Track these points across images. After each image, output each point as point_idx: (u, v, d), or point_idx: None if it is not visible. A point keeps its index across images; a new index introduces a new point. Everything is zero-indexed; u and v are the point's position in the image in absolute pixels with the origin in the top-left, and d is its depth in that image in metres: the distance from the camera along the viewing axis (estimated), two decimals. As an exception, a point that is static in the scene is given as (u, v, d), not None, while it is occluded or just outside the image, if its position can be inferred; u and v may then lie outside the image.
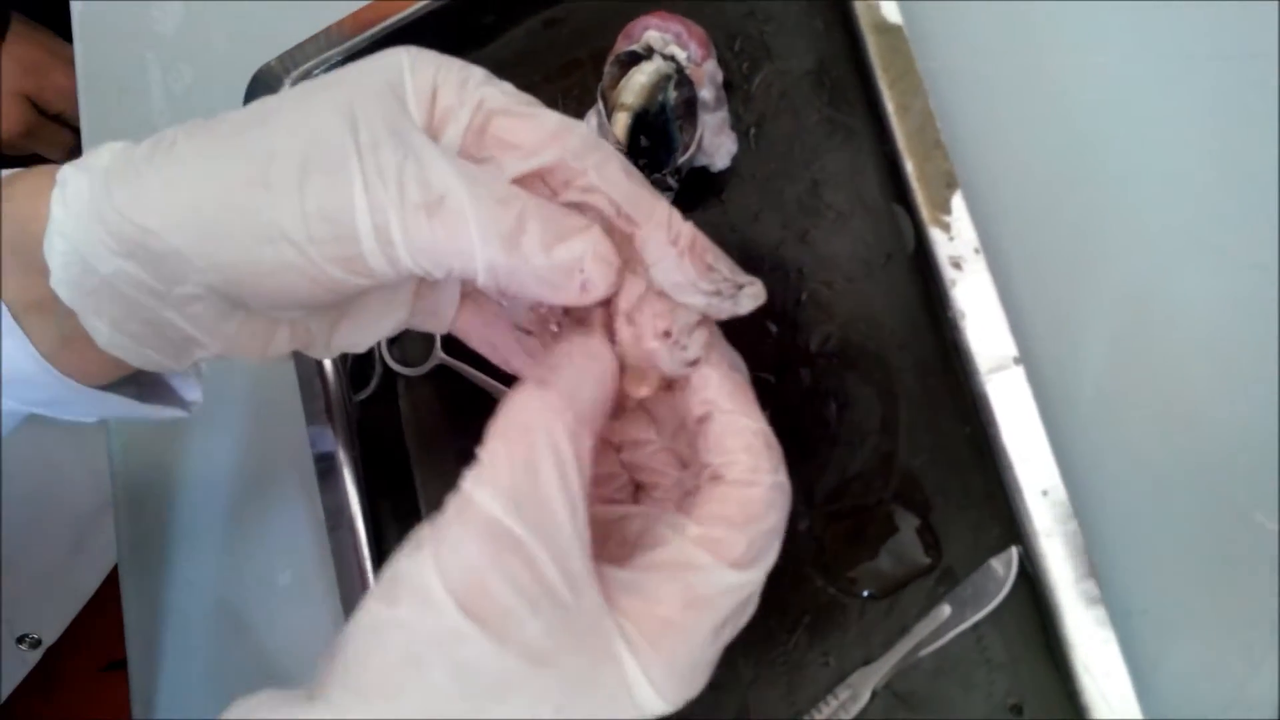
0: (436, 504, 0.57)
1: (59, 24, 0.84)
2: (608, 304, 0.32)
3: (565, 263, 0.29)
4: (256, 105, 0.31)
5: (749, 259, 0.51)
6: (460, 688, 0.27)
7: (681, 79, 0.49)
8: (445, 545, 0.27)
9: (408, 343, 0.59)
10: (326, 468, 0.57)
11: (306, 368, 0.59)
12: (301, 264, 0.30)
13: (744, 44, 0.53)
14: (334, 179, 0.29)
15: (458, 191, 0.29)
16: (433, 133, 0.30)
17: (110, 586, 0.70)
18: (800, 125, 0.51)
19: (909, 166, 0.45)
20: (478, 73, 0.31)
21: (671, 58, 0.49)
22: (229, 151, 0.30)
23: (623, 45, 0.51)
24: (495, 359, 0.40)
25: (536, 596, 0.27)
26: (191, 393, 0.43)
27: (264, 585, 0.63)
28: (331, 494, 0.56)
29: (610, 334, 0.32)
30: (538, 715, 0.27)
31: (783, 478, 0.31)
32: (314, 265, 0.30)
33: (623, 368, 0.33)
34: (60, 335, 0.34)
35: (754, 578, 0.30)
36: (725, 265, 0.32)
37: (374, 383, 0.58)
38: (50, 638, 0.85)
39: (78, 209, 0.31)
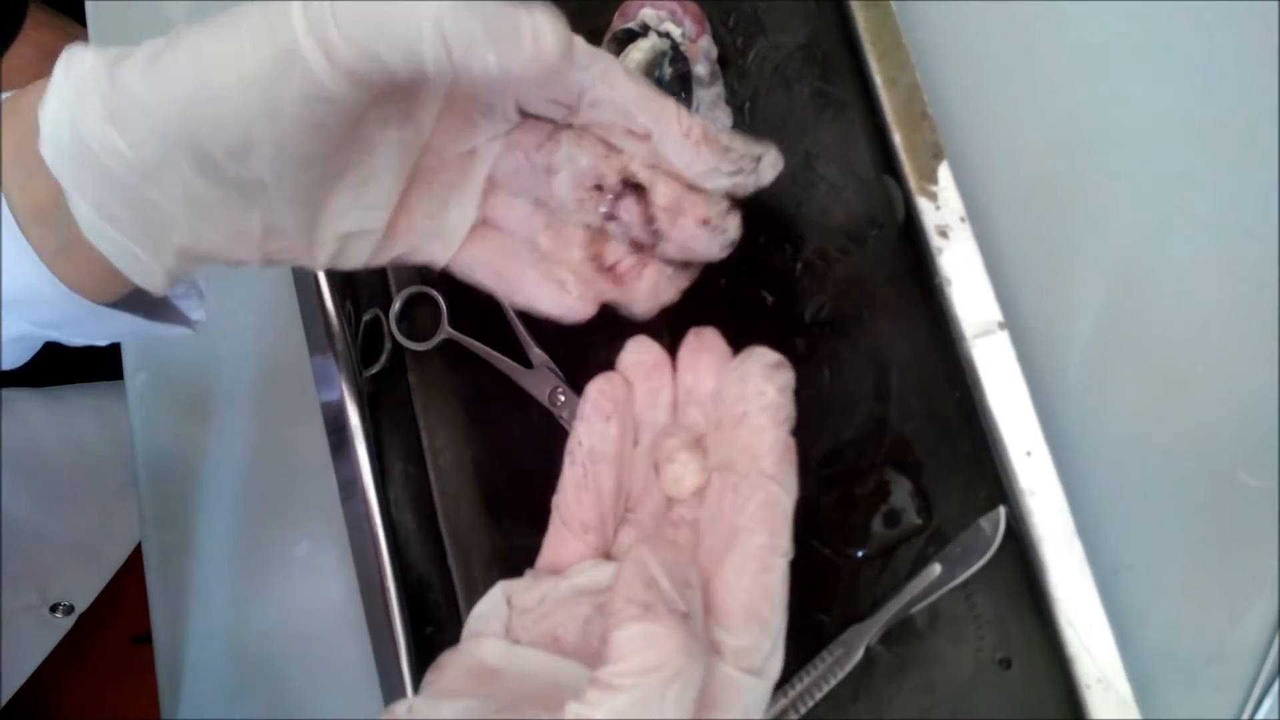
0: (445, 476, 0.59)
1: (75, 10, 0.86)
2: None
3: (515, 15, 0.28)
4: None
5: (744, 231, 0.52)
6: None
7: (677, 55, 0.50)
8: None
9: (416, 319, 0.60)
10: (339, 441, 0.59)
11: (318, 342, 0.60)
12: (242, 79, 0.29)
13: (738, 19, 0.54)
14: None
15: None
16: None
17: (138, 560, 0.72)
18: (793, 99, 0.52)
19: (897, 138, 0.46)
20: None
21: (667, 34, 0.50)
22: (211, 18, 0.30)
23: (619, 23, 0.52)
24: (501, 290, 0.39)
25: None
26: (195, 311, 0.44)
27: (283, 556, 0.65)
28: (345, 466, 0.58)
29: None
30: None
31: (791, 557, 0.32)
32: (254, 83, 0.29)
33: (656, 467, 0.35)
34: (58, 243, 0.34)
35: (769, 683, 0.30)
36: (740, 144, 0.34)
37: (384, 357, 0.60)
38: (82, 605, 0.87)
39: (78, 78, 0.31)
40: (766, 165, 0.34)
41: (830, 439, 0.50)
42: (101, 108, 0.31)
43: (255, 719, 0.64)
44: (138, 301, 0.40)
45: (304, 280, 0.60)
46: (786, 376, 0.33)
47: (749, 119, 0.53)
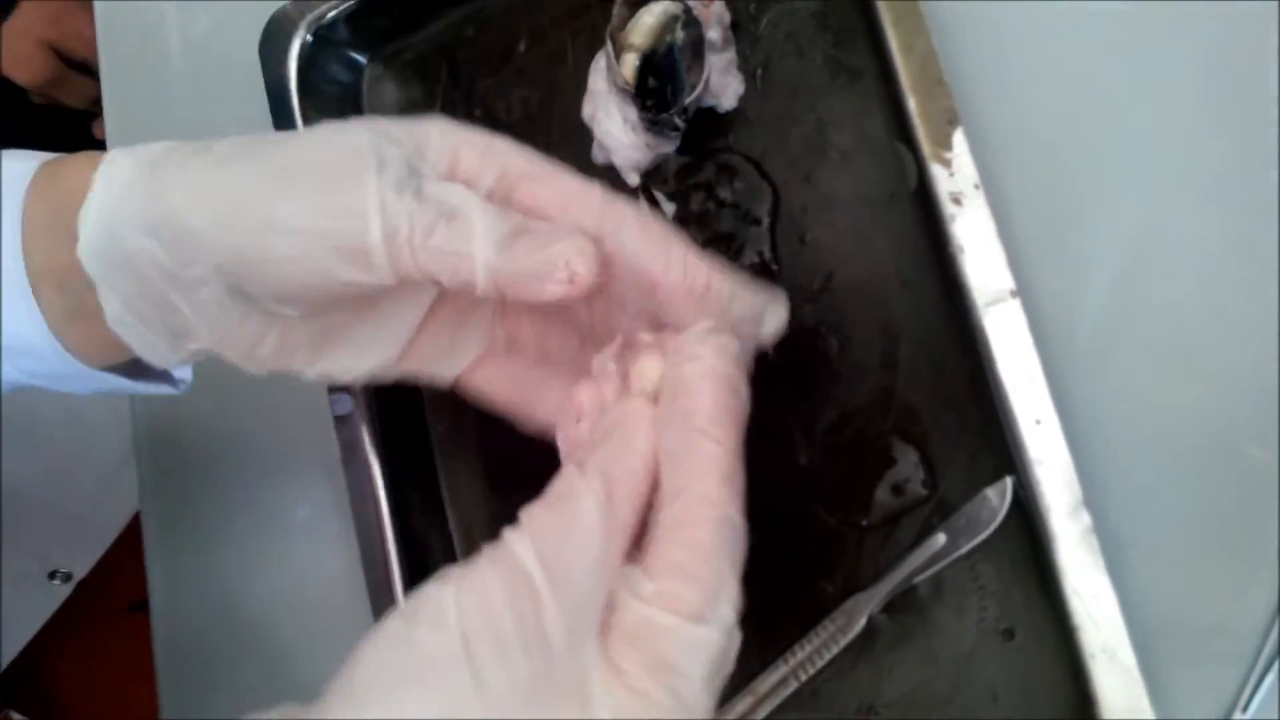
0: (447, 441, 0.58)
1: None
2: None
3: (551, 256, 0.31)
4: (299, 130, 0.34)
5: (751, 200, 0.52)
6: (445, 709, 0.28)
7: (689, 20, 0.50)
8: (470, 580, 0.29)
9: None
10: (340, 405, 0.58)
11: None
12: (304, 254, 0.32)
13: (752, -16, 0.54)
14: (351, 183, 0.31)
15: (469, 204, 0.32)
16: None
17: (134, 527, 0.72)
18: (806, 66, 0.52)
19: (911, 104, 0.45)
20: (501, 141, 0.34)
21: (679, -1, 0.50)
22: (261, 152, 0.33)
23: (632, -14, 0.51)
24: (520, 412, 0.41)
25: (534, 642, 0.28)
26: (182, 372, 0.45)
27: (281, 522, 0.65)
28: (346, 430, 0.58)
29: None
30: None
31: (734, 512, 0.31)
32: (315, 258, 0.32)
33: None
34: (69, 310, 0.36)
35: (716, 632, 0.29)
36: (745, 298, 0.35)
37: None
38: (80, 573, 0.88)
39: (120, 185, 0.33)
40: (771, 320, 0.36)
41: (837, 408, 0.50)
42: (143, 221, 0.33)
43: (253, 686, 0.64)
44: (130, 367, 0.41)
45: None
46: (726, 340, 0.34)
47: (761, 86, 0.53)
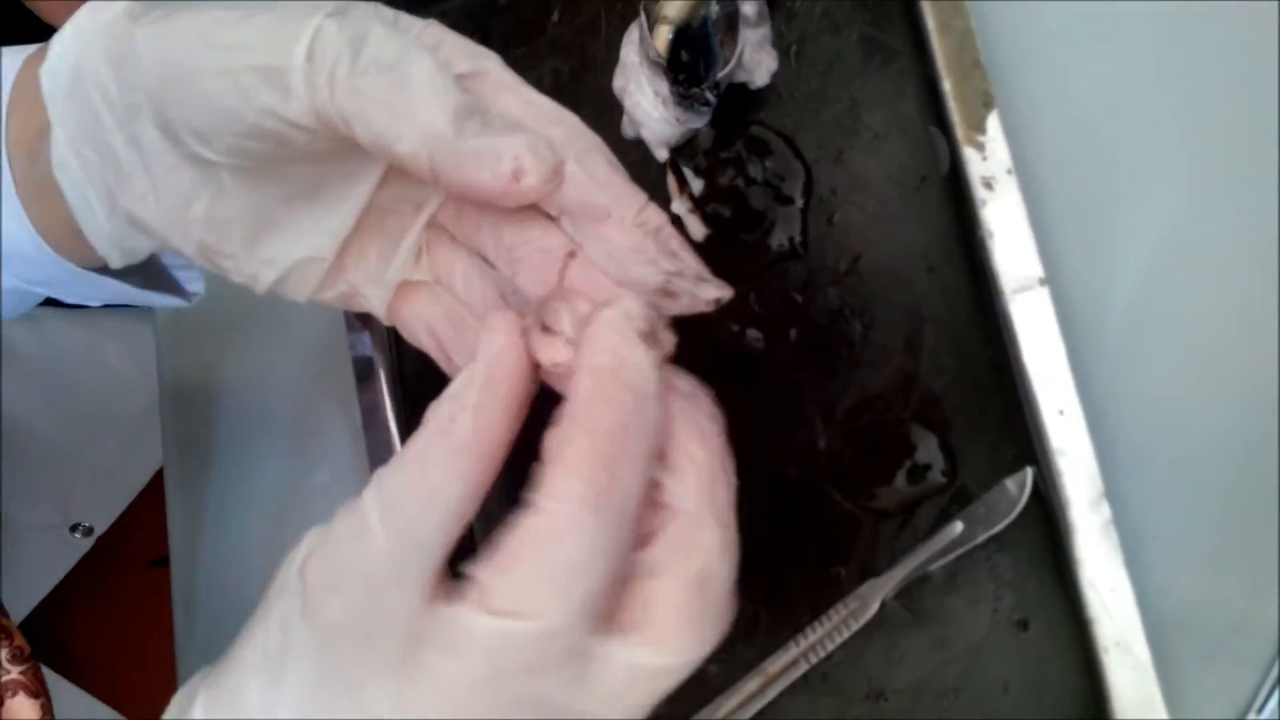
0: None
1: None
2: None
3: (501, 144, 0.28)
4: None
5: (778, 179, 0.52)
6: (279, 637, 0.28)
7: (725, -6, 0.49)
8: (328, 527, 0.28)
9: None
10: (364, 369, 0.58)
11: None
12: (226, 68, 0.29)
13: (789, -39, 0.53)
14: (300, 9, 0.29)
15: (422, 63, 0.28)
16: None
17: (157, 483, 0.73)
18: (841, 44, 0.51)
19: (947, 85, 0.45)
20: (488, 51, 0.32)
21: (715, -28, 0.49)
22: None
23: (668, -42, 0.51)
24: (436, 355, 0.38)
25: (357, 582, 0.27)
26: (194, 284, 0.45)
27: (302, 484, 0.65)
28: (368, 394, 0.58)
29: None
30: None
31: (578, 507, 0.27)
32: (235, 73, 0.29)
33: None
34: (36, 185, 0.35)
35: (518, 625, 0.26)
36: (690, 258, 0.31)
37: (412, 289, 0.60)
38: (101, 527, 0.88)
39: (98, 20, 0.32)
40: (710, 286, 0.31)
41: (858, 392, 0.49)
42: (105, 48, 0.31)
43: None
44: (138, 270, 0.40)
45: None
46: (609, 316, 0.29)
47: (795, 63, 0.52)
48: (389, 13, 0.31)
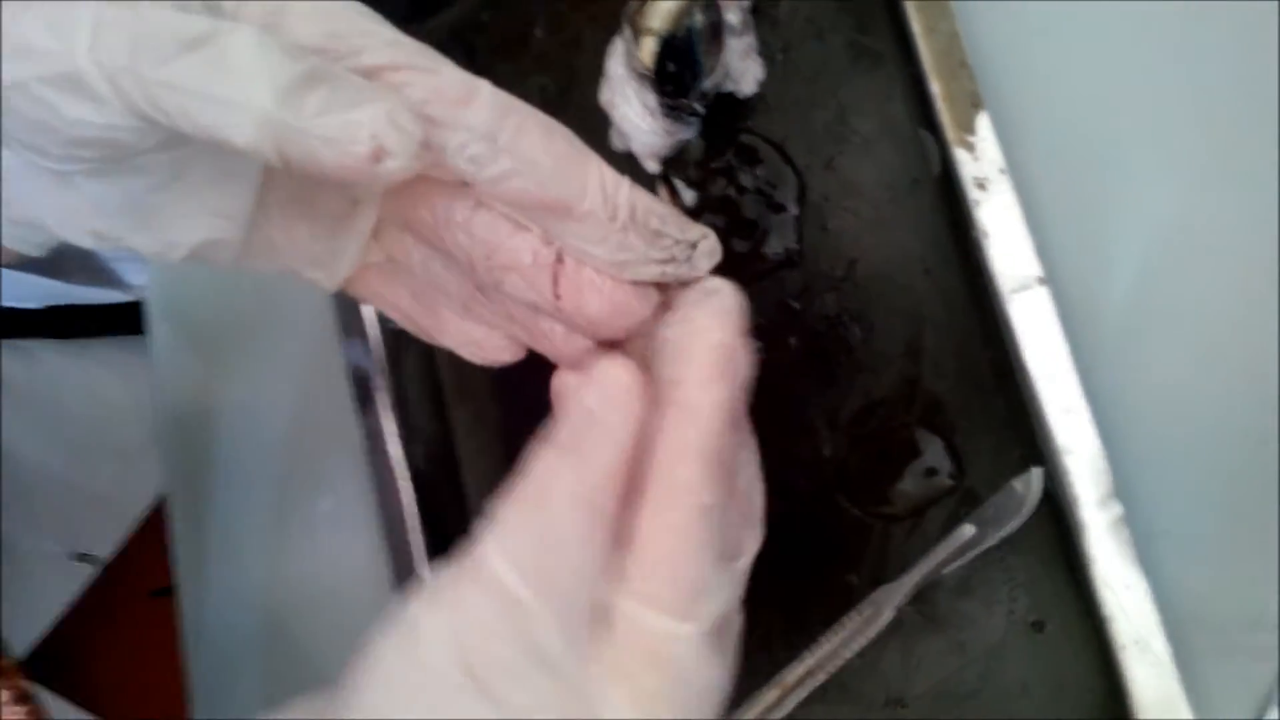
0: (470, 431, 0.58)
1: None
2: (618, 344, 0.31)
3: (352, 121, 0.24)
4: None
5: (772, 186, 0.51)
6: None
7: (709, 3, 0.49)
8: (459, 605, 0.26)
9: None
10: (363, 394, 0.58)
11: (343, 295, 0.60)
12: (19, 81, 0.25)
13: (771, -33, 0.53)
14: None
15: (237, 32, 0.24)
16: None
17: (161, 513, 0.73)
18: (827, 50, 0.51)
19: (935, 87, 0.45)
20: (353, 11, 0.27)
21: (698, -19, 0.49)
22: None
23: (649, -31, 0.50)
24: (419, 334, 0.36)
25: (534, 663, 0.26)
26: (135, 277, 0.43)
27: (306, 511, 0.65)
28: (369, 419, 0.58)
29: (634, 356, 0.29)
30: None
31: (721, 496, 0.28)
32: (31, 88, 0.25)
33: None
34: None
35: (704, 626, 0.27)
36: (674, 225, 0.29)
37: (407, 312, 0.59)
38: (103, 554, 0.88)
39: None
40: (702, 254, 0.29)
41: (860, 398, 0.49)
42: None
43: (278, 672, 0.64)
44: (72, 269, 0.38)
45: (327, 233, 0.59)
46: (723, 299, 0.29)
47: (781, 70, 0.52)
48: None
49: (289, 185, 0.32)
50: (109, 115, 0.25)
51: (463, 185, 0.30)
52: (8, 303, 0.39)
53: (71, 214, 0.29)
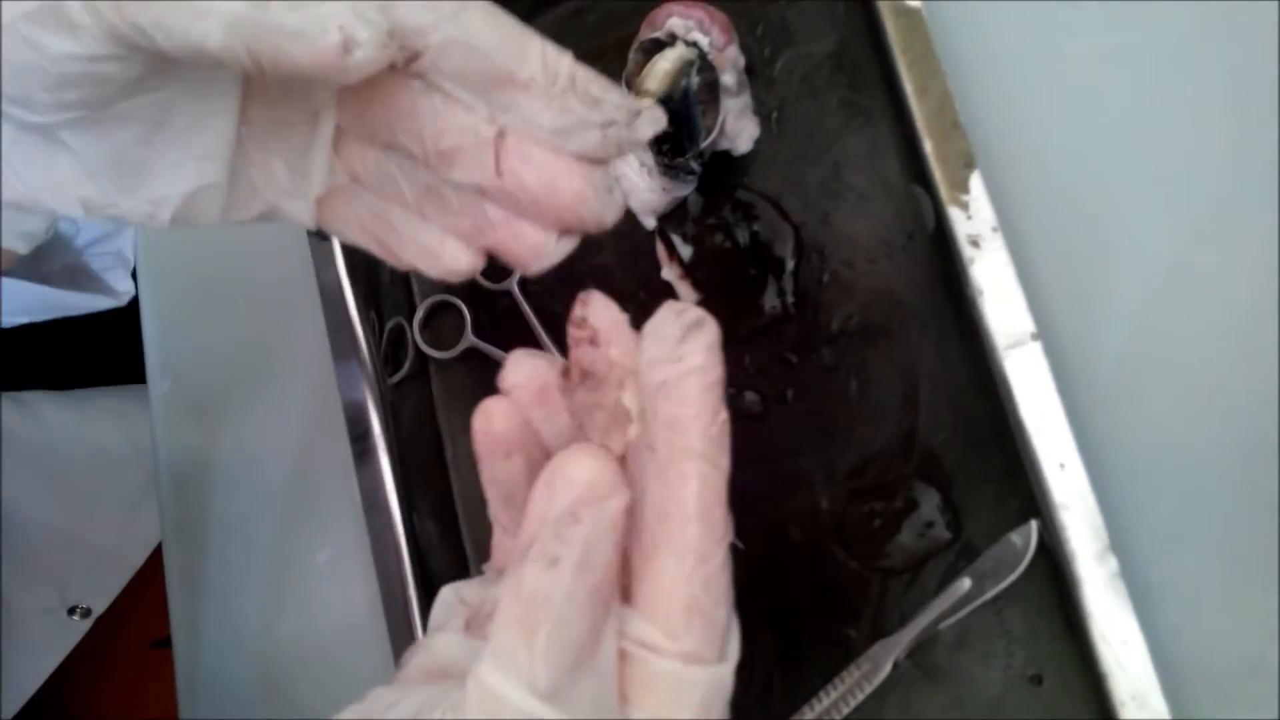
0: (468, 485, 0.58)
1: None
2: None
3: (320, 13, 0.25)
4: None
5: (768, 239, 0.52)
6: None
7: (704, 65, 0.50)
8: None
9: (439, 326, 0.60)
10: (362, 449, 0.58)
11: (341, 350, 0.60)
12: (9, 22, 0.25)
13: (765, 28, 0.54)
14: None
15: None
16: None
17: (156, 563, 0.72)
18: (821, 108, 0.52)
19: (928, 147, 0.45)
20: None
21: (694, 44, 0.50)
22: None
23: (646, 32, 0.52)
24: (380, 254, 0.35)
25: None
26: (122, 284, 0.43)
27: (303, 563, 0.65)
28: (367, 474, 0.58)
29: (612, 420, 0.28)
30: None
31: (729, 539, 0.27)
32: (13, 26, 0.25)
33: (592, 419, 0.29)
34: None
35: (731, 664, 0.27)
36: (614, 94, 0.28)
37: (407, 365, 0.60)
38: (100, 608, 0.88)
39: None
40: (645, 120, 0.28)
41: (857, 451, 0.49)
42: None
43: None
44: (58, 276, 0.38)
45: (329, 288, 0.60)
46: (710, 333, 0.27)
47: (776, 129, 0.53)
48: None
49: (262, 118, 0.33)
50: (90, 45, 0.26)
51: (415, 78, 0.30)
52: (10, 319, 0.39)
53: (62, 182, 0.30)
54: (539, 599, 0.25)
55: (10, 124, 0.29)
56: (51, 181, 0.30)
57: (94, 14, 0.25)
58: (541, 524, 0.26)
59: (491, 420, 0.30)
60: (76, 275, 0.39)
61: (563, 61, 0.27)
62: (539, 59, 0.27)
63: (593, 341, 0.28)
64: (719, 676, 0.26)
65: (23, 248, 0.34)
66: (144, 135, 0.30)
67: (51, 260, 0.37)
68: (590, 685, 0.25)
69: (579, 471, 0.26)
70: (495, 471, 0.31)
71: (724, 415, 0.27)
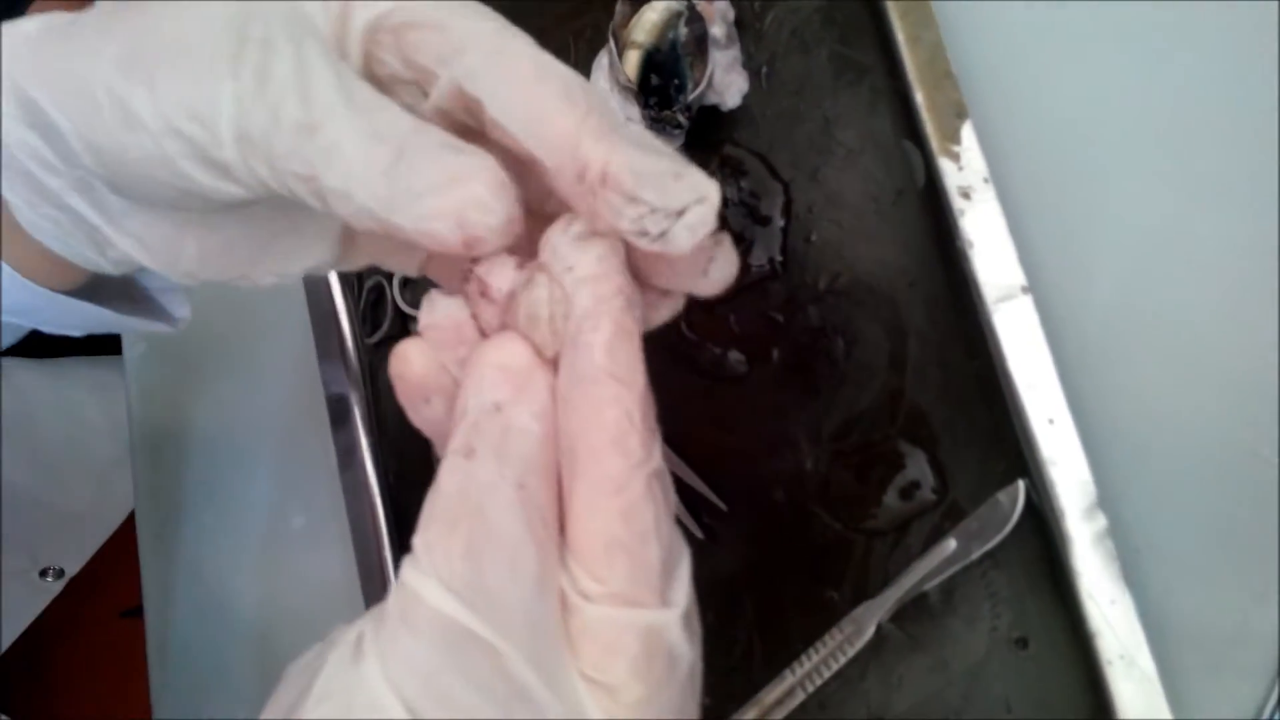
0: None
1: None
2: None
3: (441, 208, 0.24)
4: None
5: (755, 198, 0.51)
6: None
7: (693, 16, 0.49)
8: (395, 654, 0.23)
9: (419, 286, 0.59)
10: (339, 410, 0.57)
11: (320, 311, 0.59)
12: (159, 157, 0.26)
13: (756, -18, 0.53)
14: (206, 70, 0.25)
15: (338, 119, 0.24)
16: (342, 49, 0.26)
17: (130, 534, 0.71)
18: (811, 63, 0.51)
19: (919, 97, 0.45)
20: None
21: (683, -5, 0.49)
22: (118, 26, 0.27)
23: (634, -18, 0.51)
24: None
25: (507, 699, 0.23)
26: (179, 309, 0.43)
27: (279, 529, 0.64)
28: (344, 435, 0.57)
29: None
30: None
31: (656, 463, 0.24)
32: (172, 162, 0.26)
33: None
34: (26, 245, 0.33)
35: (682, 604, 0.24)
36: (652, 189, 0.24)
37: (386, 325, 0.59)
38: (72, 569, 0.87)
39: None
40: (681, 228, 0.24)
41: (843, 411, 0.48)
42: (16, 108, 0.28)
43: (246, 693, 0.63)
44: (113, 295, 0.38)
45: (306, 243, 0.58)
46: (602, 243, 0.25)
47: (765, 83, 0.52)
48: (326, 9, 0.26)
49: None
50: (245, 191, 0.26)
51: None
52: (53, 330, 0.38)
53: (181, 261, 0.31)
54: (456, 492, 0.23)
55: (145, 211, 0.30)
56: (176, 260, 0.31)
57: (248, 170, 0.25)
58: (462, 417, 0.24)
59: (409, 363, 0.28)
60: (133, 297, 0.39)
61: (596, 151, 0.24)
62: (569, 160, 0.24)
63: (483, 294, 0.26)
64: (657, 622, 0.24)
65: (110, 270, 0.34)
66: (269, 231, 0.32)
67: (109, 281, 0.37)
68: (523, 600, 0.23)
69: (497, 355, 0.24)
70: (420, 418, 0.29)
71: (631, 327, 0.24)
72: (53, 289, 0.35)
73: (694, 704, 0.25)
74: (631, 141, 0.24)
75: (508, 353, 0.24)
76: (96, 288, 0.38)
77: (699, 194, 0.24)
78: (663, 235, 0.24)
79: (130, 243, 0.31)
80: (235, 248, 0.32)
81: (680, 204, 0.24)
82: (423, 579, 0.23)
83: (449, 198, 0.24)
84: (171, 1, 0.27)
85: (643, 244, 0.24)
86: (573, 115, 0.24)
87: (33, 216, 0.31)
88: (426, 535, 0.23)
